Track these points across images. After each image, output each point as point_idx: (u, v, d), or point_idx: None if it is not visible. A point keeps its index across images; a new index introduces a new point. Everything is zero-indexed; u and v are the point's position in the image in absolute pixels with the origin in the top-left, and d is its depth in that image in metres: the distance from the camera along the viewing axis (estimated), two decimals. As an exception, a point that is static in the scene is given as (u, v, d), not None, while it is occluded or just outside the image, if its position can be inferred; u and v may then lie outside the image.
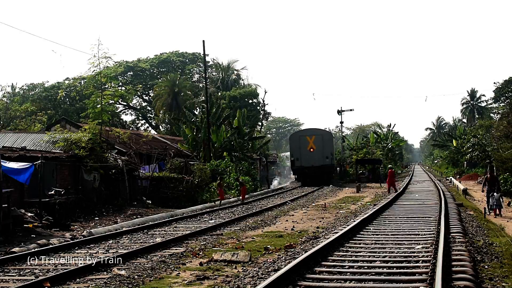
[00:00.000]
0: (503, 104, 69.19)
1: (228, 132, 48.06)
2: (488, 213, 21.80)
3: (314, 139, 49.89)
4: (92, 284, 9.98)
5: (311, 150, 49.42)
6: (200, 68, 78.69)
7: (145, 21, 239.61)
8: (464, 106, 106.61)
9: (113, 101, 32.96)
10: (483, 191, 23.78)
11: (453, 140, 79.07)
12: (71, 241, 15.31)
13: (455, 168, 68.77)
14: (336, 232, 14.87)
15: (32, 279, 10.22)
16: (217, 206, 28.43)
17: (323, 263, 11.00)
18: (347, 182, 53.21)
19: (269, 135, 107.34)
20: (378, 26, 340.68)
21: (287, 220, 21.08)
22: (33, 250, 13.57)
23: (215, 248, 14.18)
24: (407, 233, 15.44)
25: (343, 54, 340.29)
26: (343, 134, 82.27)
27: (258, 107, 73.18)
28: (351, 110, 73.69)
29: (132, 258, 12.37)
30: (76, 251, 13.93)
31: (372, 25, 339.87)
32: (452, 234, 14.55)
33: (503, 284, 9.39)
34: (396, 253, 12.05)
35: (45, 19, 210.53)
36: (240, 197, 30.95)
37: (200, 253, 13.41)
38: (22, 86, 76.82)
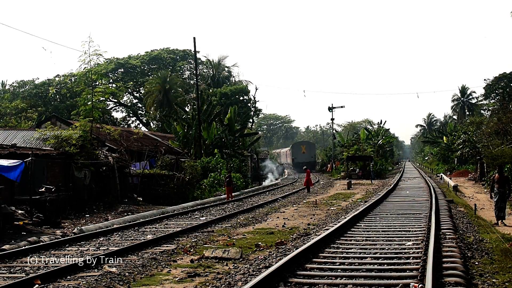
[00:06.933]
0: (493, 101, 69.53)
1: (219, 129, 47.99)
2: (497, 223, 18.02)
3: (305, 146, 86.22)
4: (83, 281, 9.92)
5: (303, 153, 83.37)
6: (191, 65, 78.38)
7: (136, 18, 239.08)
8: (455, 103, 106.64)
9: (103, 98, 32.87)
10: (491, 197, 19.32)
11: (444, 137, 79.22)
12: (62, 239, 15.23)
13: (445, 164, 68.96)
14: (327, 229, 14.88)
15: (22, 277, 10.16)
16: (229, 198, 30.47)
17: (314, 260, 11.02)
18: (338, 179, 53.67)
19: (260, 132, 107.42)
20: (369, 23, 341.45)
21: (278, 217, 21.10)
22: (23, 247, 13.49)
23: (206, 245, 14.16)
24: (398, 229, 15.48)
25: (334, 51, 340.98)
26: (334, 131, 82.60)
27: (249, 104, 73.09)
28: (342, 107, 74.44)
29: (123, 255, 12.31)
30: (67, 249, 13.86)
31: (363, 22, 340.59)
32: (442, 231, 14.61)
33: (493, 280, 9.43)
34: (387, 249, 12.08)
35: (36, 15, 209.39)
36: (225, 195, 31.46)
37: (191, 250, 13.39)
38: (12, 83, 76.54)
